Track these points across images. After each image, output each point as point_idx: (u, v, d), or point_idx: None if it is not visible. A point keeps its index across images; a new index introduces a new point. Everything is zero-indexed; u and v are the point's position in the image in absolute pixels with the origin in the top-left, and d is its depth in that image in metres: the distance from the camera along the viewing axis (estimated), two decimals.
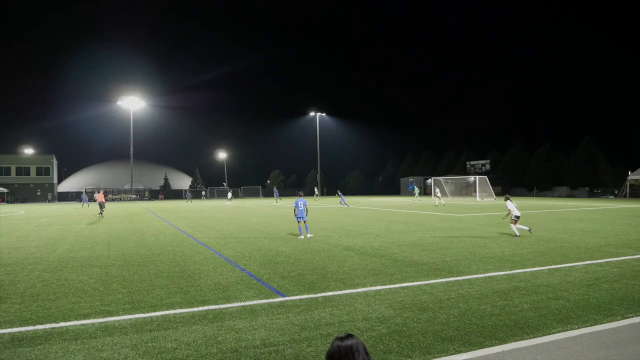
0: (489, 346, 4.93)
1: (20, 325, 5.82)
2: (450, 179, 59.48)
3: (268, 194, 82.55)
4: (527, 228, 14.66)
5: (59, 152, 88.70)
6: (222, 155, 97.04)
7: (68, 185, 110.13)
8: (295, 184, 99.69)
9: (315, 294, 7.28)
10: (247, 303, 6.76)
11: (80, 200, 53.78)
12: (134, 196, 77.96)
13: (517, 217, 14.27)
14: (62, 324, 5.87)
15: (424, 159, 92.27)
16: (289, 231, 16.80)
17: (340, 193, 41.73)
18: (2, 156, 74.77)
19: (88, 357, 4.76)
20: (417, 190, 45.53)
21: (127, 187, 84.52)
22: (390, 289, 7.56)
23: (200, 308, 6.53)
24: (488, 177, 52.14)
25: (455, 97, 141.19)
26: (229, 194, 47.14)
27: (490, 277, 8.35)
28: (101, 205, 27.78)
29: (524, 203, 38.86)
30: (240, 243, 13.77)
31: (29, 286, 8.13)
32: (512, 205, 14.35)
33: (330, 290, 7.47)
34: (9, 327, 5.75)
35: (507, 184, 70.21)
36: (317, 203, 45.23)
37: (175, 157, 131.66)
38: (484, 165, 72.87)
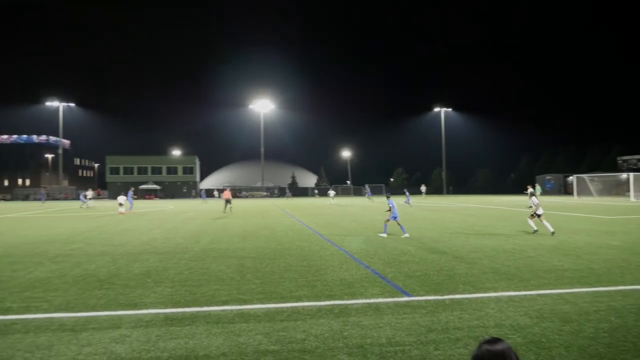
0: None
1: (172, 307, 6.57)
2: (596, 176, 52.90)
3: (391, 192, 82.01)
4: (551, 230, 14.52)
5: (200, 152, 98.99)
6: (346, 154, 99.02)
7: (208, 183, 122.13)
8: (419, 182, 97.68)
9: (442, 295, 7.01)
10: (372, 300, 6.78)
11: (201, 197, 58.45)
12: (264, 193, 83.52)
13: (539, 215, 14.85)
14: (206, 308, 6.50)
15: (562, 155, 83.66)
16: (413, 230, 16.47)
17: (406, 192, 39.15)
18: (156, 157, 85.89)
19: (227, 340, 5.18)
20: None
21: (258, 184, 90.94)
22: (525, 295, 6.97)
23: (327, 302, 6.70)
24: None
25: (600, 86, 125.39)
26: (331, 192, 46.96)
27: None
28: (228, 201, 30.21)
29: None
30: (365, 241, 13.87)
31: (177, 272, 9.15)
32: (537, 202, 15.06)
33: (458, 293, 7.13)
34: (163, 308, 6.54)
35: None
36: (425, 201, 43.69)
37: (302, 156, 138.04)
38: (639, 160, 63.38)
